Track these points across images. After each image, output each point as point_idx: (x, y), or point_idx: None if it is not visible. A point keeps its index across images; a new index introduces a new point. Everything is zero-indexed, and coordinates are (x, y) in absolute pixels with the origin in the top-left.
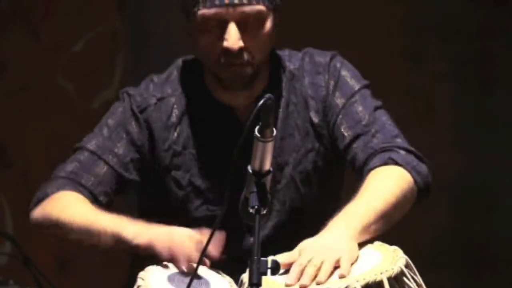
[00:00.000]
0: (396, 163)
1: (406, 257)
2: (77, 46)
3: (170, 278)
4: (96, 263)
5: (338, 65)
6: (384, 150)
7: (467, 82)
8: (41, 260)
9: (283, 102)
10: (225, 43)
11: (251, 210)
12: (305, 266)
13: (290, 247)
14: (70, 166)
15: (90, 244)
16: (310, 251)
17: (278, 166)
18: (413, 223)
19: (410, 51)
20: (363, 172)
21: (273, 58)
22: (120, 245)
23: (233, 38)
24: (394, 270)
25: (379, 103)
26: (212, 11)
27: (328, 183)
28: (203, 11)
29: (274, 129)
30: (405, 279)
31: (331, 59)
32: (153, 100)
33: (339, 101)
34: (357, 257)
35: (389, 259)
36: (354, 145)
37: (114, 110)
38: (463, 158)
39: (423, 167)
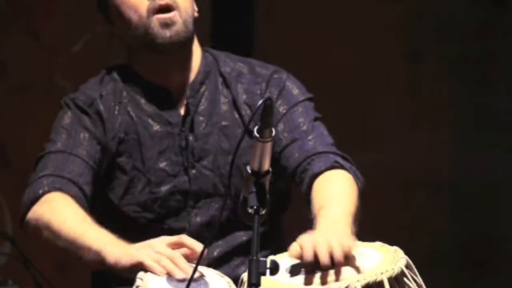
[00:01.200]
0: (342, 167)
1: (406, 257)
2: (77, 46)
3: (169, 278)
4: None
5: (284, 76)
6: (320, 154)
7: (467, 82)
8: (41, 260)
9: (226, 96)
10: None
11: (250, 210)
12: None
13: (234, 228)
14: (48, 167)
15: (75, 256)
16: (312, 239)
17: (224, 151)
18: (412, 222)
19: (410, 51)
20: (299, 175)
21: (202, 50)
22: (102, 265)
23: None
24: (394, 270)
25: (319, 115)
26: None
27: (274, 179)
28: None
29: (273, 129)
30: (405, 279)
31: (275, 71)
32: (96, 95)
33: (281, 108)
34: (357, 257)
35: (390, 259)
36: (290, 148)
37: (63, 116)
38: (463, 158)
39: (361, 176)
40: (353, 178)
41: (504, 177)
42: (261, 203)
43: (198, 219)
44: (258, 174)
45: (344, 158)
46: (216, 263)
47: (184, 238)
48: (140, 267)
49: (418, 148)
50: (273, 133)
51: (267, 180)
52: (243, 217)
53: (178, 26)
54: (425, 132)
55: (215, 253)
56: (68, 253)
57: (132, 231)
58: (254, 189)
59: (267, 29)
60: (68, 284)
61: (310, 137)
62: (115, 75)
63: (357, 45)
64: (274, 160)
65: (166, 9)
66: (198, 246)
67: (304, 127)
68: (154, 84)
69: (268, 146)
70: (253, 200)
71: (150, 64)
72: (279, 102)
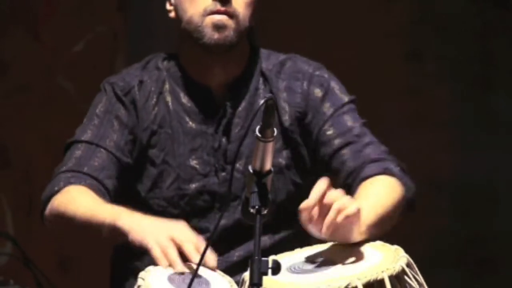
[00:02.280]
0: (393, 175)
1: (407, 256)
2: (78, 46)
3: (170, 278)
4: (96, 263)
5: (326, 76)
6: (375, 160)
7: (467, 82)
8: (42, 260)
9: (261, 96)
10: None
11: (251, 210)
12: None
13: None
14: (71, 161)
15: (92, 237)
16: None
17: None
18: (413, 222)
19: (410, 51)
20: (352, 178)
21: (252, 46)
22: (117, 238)
23: None
24: (395, 268)
25: (364, 120)
26: None
27: (303, 181)
28: None
29: (275, 129)
30: (406, 277)
31: (316, 68)
32: (136, 81)
33: (328, 110)
34: (358, 256)
35: (391, 258)
36: (344, 151)
37: (99, 100)
38: (463, 158)
39: (412, 185)
40: (401, 186)
41: (504, 177)
42: (263, 203)
43: (223, 221)
44: (260, 174)
45: (400, 167)
46: (236, 267)
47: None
48: (145, 248)
49: (418, 148)
50: (275, 133)
51: (269, 180)
52: (245, 217)
53: (229, 32)
54: (425, 132)
55: (235, 258)
56: (86, 235)
57: None
58: (256, 189)
59: (267, 29)
60: (70, 284)
61: (365, 142)
62: (160, 63)
63: (357, 45)
64: (320, 162)
65: (223, 13)
66: (210, 261)
67: (356, 132)
68: (196, 80)
69: (270, 146)
70: (255, 200)
71: (194, 60)
72: (325, 102)
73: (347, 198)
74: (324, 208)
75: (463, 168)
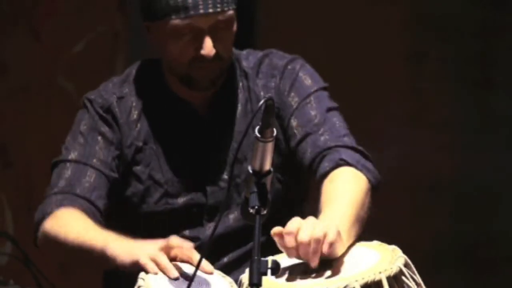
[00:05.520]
0: (348, 164)
1: (405, 256)
2: (78, 46)
3: (171, 278)
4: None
5: (297, 67)
6: (330, 149)
7: (467, 82)
8: (42, 260)
9: (241, 99)
10: (202, 51)
11: (251, 210)
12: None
13: (250, 239)
14: (61, 182)
15: (85, 263)
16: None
17: (238, 160)
18: (413, 223)
19: (410, 51)
20: (312, 173)
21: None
22: (107, 263)
23: (208, 47)
24: (393, 269)
25: (334, 104)
26: (186, 21)
27: (289, 181)
28: (176, 22)
29: (274, 129)
30: (404, 278)
31: (290, 61)
32: (114, 98)
33: (294, 101)
34: (355, 257)
35: (388, 258)
36: (303, 144)
37: (82, 118)
38: (463, 158)
39: (371, 165)
40: (361, 174)
41: (504, 177)
42: (262, 203)
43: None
44: (259, 174)
45: (356, 150)
46: (227, 267)
47: (172, 241)
48: (138, 266)
49: (419, 148)
50: (275, 133)
51: (268, 180)
52: (245, 217)
53: (217, 76)
54: (426, 132)
55: (226, 259)
56: (78, 261)
57: (146, 239)
58: (255, 189)
59: (267, 29)
60: (70, 284)
61: (321, 131)
62: (141, 76)
63: (357, 45)
64: (290, 156)
65: (210, 60)
66: (186, 245)
67: (316, 120)
68: (178, 95)
69: (269, 146)
70: (254, 200)
71: (176, 81)
72: (291, 95)
73: (321, 225)
74: (303, 245)
75: (463, 168)
